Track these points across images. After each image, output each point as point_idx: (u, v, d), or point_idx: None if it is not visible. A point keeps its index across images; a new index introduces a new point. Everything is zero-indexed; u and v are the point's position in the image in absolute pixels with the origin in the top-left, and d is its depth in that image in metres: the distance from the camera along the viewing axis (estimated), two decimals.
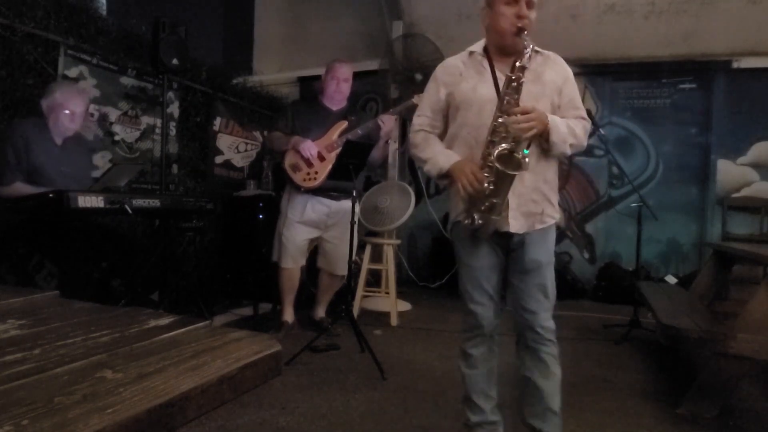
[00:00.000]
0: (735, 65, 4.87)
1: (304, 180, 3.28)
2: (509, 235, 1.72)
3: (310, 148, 3.24)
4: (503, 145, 1.58)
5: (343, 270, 3.50)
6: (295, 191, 3.35)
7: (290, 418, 2.18)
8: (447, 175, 1.73)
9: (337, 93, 3.44)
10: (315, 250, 3.65)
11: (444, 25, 5.31)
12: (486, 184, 1.60)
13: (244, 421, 2.12)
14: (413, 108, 3.59)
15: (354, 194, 3.19)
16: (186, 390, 0.66)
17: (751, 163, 4.97)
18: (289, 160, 3.33)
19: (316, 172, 3.27)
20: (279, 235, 3.42)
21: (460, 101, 1.74)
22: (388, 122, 3.38)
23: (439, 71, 1.86)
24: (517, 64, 1.59)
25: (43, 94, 2.75)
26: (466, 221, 1.68)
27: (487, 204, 1.63)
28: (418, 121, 1.85)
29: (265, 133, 4.82)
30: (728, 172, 5.00)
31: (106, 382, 0.66)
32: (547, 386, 1.74)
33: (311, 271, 3.78)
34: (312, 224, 3.37)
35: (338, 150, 3.27)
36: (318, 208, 3.35)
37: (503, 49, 1.73)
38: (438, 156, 1.76)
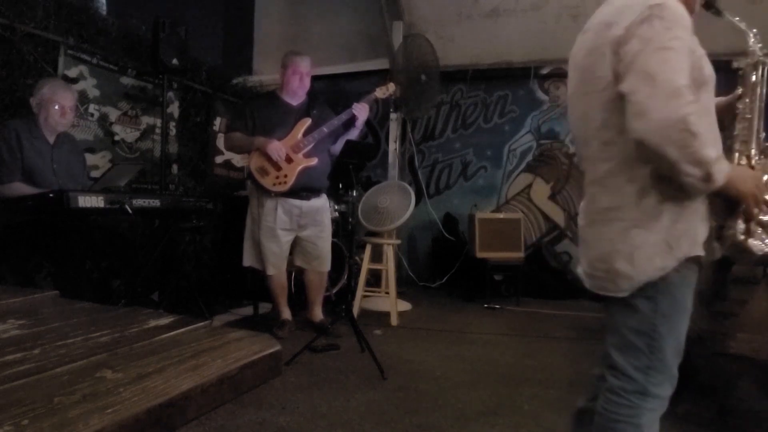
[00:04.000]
0: (735, 65, 4.87)
1: (274, 185, 3.21)
2: None
3: (278, 149, 3.16)
4: None
5: (327, 266, 3.50)
6: (265, 195, 3.27)
7: (290, 418, 2.18)
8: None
9: (300, 88, 3.37)
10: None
11: (444, 25, 5.32)
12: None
13: (244, 421, 2.12)
14: (375, 102, 3.59)
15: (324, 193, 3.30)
16: (186, 390, 0.66)
17: None
18: (256, 163, 3.24)
19: (285, 176, 3.20)
20: (255, 242, 3.34)
21: (709, 76, 1.24)
22: (363, 111, 3.34)
23: (685, 16, 1.18)
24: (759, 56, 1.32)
25: (31, 92, 2.75)
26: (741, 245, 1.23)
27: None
28: (691, 95, 1.11)
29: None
30: None
31: (106, 382, 0.67)
32: None
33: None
34: (287, 227, 3.31)
35: (305, 150, 3.24)
36: (289, 210, 3.28)
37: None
38: (722, 157, 1.15)
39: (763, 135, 1.32)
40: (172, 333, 0.89)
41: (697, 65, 1.19)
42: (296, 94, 3.38)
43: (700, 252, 1.21)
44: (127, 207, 2.59)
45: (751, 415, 2.40)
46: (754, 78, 1.32)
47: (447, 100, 5.76)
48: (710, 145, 1.11)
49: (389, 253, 4.00)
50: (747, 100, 1.32)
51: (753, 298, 2.39)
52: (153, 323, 0.95)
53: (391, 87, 3.58)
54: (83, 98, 3.47)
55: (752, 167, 1.28)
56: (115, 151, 3.78)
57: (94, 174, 3.44)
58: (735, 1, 5.33)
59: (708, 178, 1.10)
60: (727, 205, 1.22)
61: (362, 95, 3.51)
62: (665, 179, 1.17)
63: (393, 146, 5.57)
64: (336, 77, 5.74)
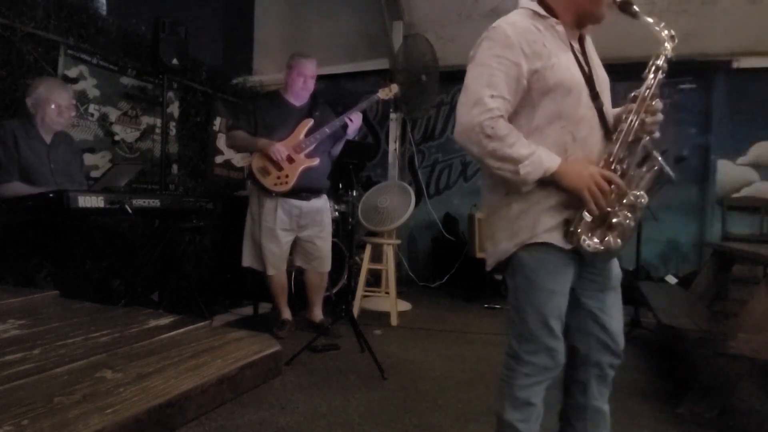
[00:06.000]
0: (735, 65, 4.87)
1: (275, 185, 3.20)
2: None
3: (280, 151, 3.16)
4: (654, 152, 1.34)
5: (327, 266, 3.49)
6: (265, 195, 3.26)
7: (290, 418, 2.18)
8: (547, 180, 1.33)
9: (304, 90, 3.37)
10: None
11: (444, 25, 5.32)
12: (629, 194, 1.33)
13: (244, 421, 2.12)
14: (376, 103, 3.58)
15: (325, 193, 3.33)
16: (186, 390, 0.66)
17: (751, 163, 4.97)
18: (257, 163, 3.24)
19: (287, 176, 3.20)
20: (254, 242, 3.34)
21: (555, 84, 1.34)
22: (356, 120, 3.33)
23: (514, 34, 1.34)
24: (662, 59, 1.37)
25: (27, 92, 2.73)
26: (581, 242, 1.32)
27: (613, 218, 1.33)
28: (494, 103, 1.31)
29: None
30: (728, 172, 5.00)
31: (106, 382, 0.66)
32: (607, 409, 1.55)
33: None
34: (287, 228, 3.30)
35: (307, 150, 3.24)
36: (289, 210, 3.28)
37: (585, 18, 1.42)
38: (540, 152, 1.31)
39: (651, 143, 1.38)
40: (172, 333, 0.89)
41: (535, 77, 1.33)
42: (299, 95, 3.38)
43: (541, 239, 1.36)
44: (127, 207, 2.59)
45: (751, 415, 2.40)
46: (646, 84, 1.37)
47: (447, 100, 5.76)
48: (519, 145, 1.30)
49: (389, 253, 3.99)
50: (633, 106, 1.37)
51: (753, 298, 2.39)
52: (153, 323, 0.95)
53: (394, 88, 3.57)
54: (83, 98, 3.47)
55: (612, 169, 1.34)
56: (115, 151, 3.77)
57: (94, 174, 3.44)
58: (735, 1, 5.33)
59: (516, 172, 1.30)
60: (576, 200, 1.33)
61: (362, 95, 3.50)
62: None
63: (393, 146, 5.57)
64: (336, 77, 5.74)
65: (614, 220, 1.33)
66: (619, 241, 1.34)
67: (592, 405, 1.50)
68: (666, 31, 1.39)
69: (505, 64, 1.32)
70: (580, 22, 1.43)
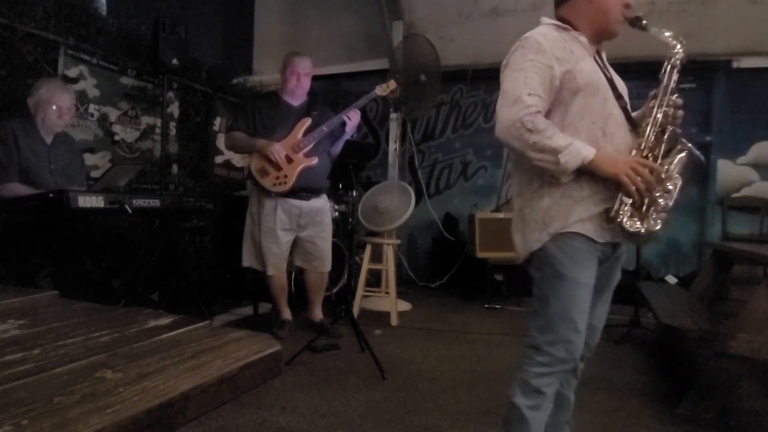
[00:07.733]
0: (735, 65, 4.87)
1: (274, 185, 3.20)
2: (614, 244, 1.52)
3: (279, 152, 3.16)
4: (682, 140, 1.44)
5: (328, 266, 3.49)
6: (265, 196, 3.26)
7: (290, 418, 2.18)
8: (584, 169, 1.41)
9: (298, 88, 3.36)
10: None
11: (444, 25, 5.32)
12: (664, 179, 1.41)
13: (244, 421, 2.12)
14: (374, 100, 3.55)
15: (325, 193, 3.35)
16: (186, 390, 0.66)
17: (751, 163, 4.97)
18: (256, 163, 3.24)
19: (285, 176, 3.20)
20: (254, 242, 3.34)
21: (584, 83, 1.45)
22: (354, 117, 3.32)
23: (545, 42, 1.46)
24: (675, 60, 1.48)
25: (28, 93, 2.74)
26: (624, 223, 1.40)
27: (651, 201, 1.41)
28: (532, 100, 1.40)
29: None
30: (728, 172, 5.00)
31: (106, 382, 0.66)
32: (572, 398, 1.66)
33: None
34: (286, 228, 3.30)
35: (306, 150, 3.24)
36: (289, 210, 3.27)
37: (601, 35, 1.56)
38: (577, 143, 1.39)
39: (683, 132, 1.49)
40: (172, 333, 0.89)
41: (566, 77, 1.45)
42: (295, 94, 3.38)
43: (572, 229, 1.43)
44: (127, 207, 2.59)
45: (751, 415, 2.40)
46: (665, 81, 1.50)
47: (447, 100, 5.76)
48: (557, 137, 1.38)
49: (389, 253, 3.99)
50: (655, 101, 1.50)
51: (753, 298, 2.39)
52: (153, 323, 0.95)
53: (392, 84, 3.56)
54: (83, 98, 3.47)
55: (644, 157, 1.45)
56: (115, 151, 3.77)
57: (94, 174, 3.43)
58: (735, 1, 5.32)
59: (557, 162, 1.38)
60: (614, 187, 1.42)
61: (362, 95, 3.50)
62: (544, 170, 1.44)
63: (393, 146, 5.57)
64: (336, 77, 5.74)
65: (652, 204, 1.42)
66: (658, 222, 1.43)
67: (558, 391, 1.58)
68: (673, 41, 1.51)
69: (539, 66, 1.44)
70: (597, 38, 1.57)
